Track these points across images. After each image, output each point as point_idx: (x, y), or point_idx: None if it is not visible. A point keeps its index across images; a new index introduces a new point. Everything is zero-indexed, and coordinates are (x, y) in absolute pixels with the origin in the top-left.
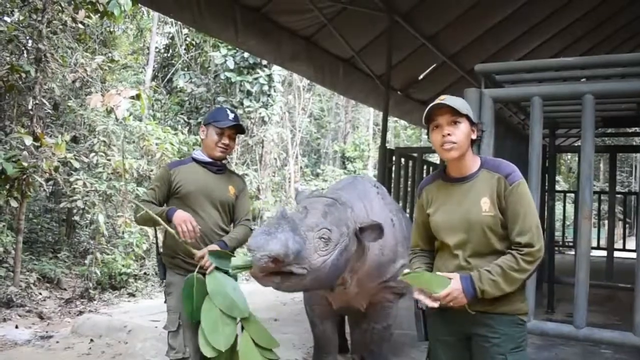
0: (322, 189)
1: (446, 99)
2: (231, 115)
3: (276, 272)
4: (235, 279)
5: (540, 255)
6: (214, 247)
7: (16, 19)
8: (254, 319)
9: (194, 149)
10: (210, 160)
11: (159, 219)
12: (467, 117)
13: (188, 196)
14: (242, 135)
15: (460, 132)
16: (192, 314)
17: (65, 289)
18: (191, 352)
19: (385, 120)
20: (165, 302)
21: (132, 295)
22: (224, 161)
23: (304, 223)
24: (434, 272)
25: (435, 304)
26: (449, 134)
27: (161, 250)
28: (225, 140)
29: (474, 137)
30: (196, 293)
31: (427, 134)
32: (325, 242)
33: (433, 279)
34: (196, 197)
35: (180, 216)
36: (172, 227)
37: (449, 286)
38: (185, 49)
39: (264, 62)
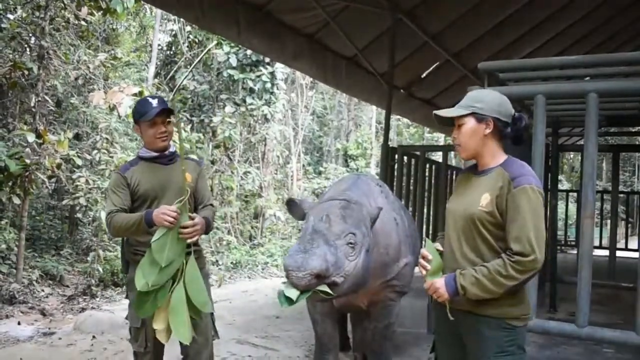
0: (324, 187)
1: (452, 109)
2: (154, 102)
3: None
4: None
5: (534, 266)
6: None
7: (19, 16)
8: (198, 278)
9: (197, 147)
10: (156, 154)
11: (137, 227)
12: (474, 113)
13: (146, 195)
14: (244, 134)
15: (462, 134)
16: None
17: (67, 286)
18: (151, 347)
19: (387, 119)
20: (126, 297)
21: None
22: (171, 150)
23: (332, 232)
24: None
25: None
26: (454, 137)
27: (125, 245)
28: (161, 129)
29: (487, 131)
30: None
31: None
32: (352, 247)
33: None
34: (154, 194)
35: (157, 214)
36: (154, 230)
37: (435, 279)
38: (188, 47)
39: (267, 59)
